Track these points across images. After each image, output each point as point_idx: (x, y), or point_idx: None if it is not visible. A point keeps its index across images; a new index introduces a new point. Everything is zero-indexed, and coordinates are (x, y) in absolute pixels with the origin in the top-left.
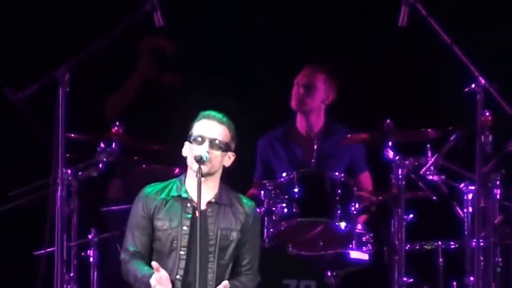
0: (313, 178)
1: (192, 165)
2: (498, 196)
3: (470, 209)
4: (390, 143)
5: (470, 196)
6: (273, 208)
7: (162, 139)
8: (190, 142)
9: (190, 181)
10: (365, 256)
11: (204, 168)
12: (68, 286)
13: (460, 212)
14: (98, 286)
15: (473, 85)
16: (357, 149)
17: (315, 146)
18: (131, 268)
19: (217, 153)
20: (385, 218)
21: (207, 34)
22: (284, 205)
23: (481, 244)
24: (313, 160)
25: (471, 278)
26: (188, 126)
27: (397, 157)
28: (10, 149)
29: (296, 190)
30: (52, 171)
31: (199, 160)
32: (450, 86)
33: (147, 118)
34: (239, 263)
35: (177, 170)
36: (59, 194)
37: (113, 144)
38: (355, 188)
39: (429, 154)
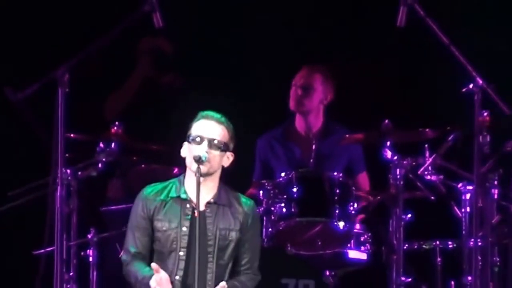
0: (311, 178)
1: (191, 165)
2: (496, 196)
3: (468, 209)
4: (388, 143)
5: (468, 196)
6: (272, 208)
7: (161, 139)
8: (189, 142)
9: (189, 182)
10: (363, 256)
11: (203, 168)
12: (68, 286)
13: (458, 212)
14: (98, 286)
15: (471, 86)
16: (355, 150)
17: (314, 146)
18: (131, 270)
19: (216, 153)
20: (383, 218)
21: (206, 34)
22: (282, 204)
23: (479, 243)
24: (311, 160)
25: (469, 278)
26: (187, 126)
27: (395, 157)
28: (10, 149)
29: (294, 190)
30: (52, 171)
31: (198, 160)
32: (448, 86)
33: (147, 118)
34: (239, 262)
35: (176, 170)
36: (58, 193)
37: (113, 144)
38: (353, 188)
39: (427, 154)
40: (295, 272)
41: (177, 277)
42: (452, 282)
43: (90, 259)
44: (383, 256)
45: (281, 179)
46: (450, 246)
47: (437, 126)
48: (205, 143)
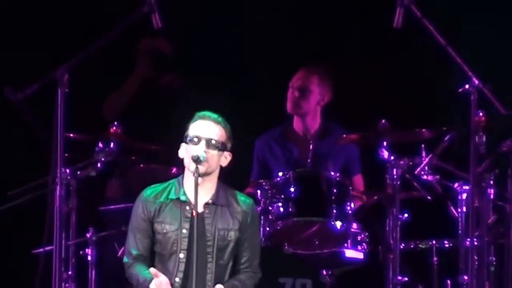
0: (309, 177)
1: (190, 166)
2: (492, 196)
3: (464, 209)
4: (385, 143)
5: (464, 196)
6: (270, 208)
7: (160, 139)
8: (187, 143)
9: (188, 183)
10: (360, 255)
11: (202, 168)
12: (66, 285)
13: (454, 212)
14: (96, 284)
15: (467, 86)
16: (352, 151)
17: (311, 146)
18: (133, 272)
19: (214, 152)
20: (380, 217)
21: (205, 34)
22: (280, 204)
23: (475, 243)
24: (309, 160)
25: (465, 277)
26: (185, 127)
27: (392, 157)
28: (10, 149)
29: (292, 189)
30: (51, 170)
31: (196, 160)
32: (444, 87)
33: (146, 118)
34: (238, 261)
35: (174, 170)
36: (58, 193)
37: (112, 144)
38: (350, 188)
39: (424, 154)
40: (292, 272)
41: (177, 279)
42: (448, 282)
43: (89, 258)
44: (379, 255)
45: (278, 179)
46: (447, 245)
47: (433, 126)
48: (203, 143)
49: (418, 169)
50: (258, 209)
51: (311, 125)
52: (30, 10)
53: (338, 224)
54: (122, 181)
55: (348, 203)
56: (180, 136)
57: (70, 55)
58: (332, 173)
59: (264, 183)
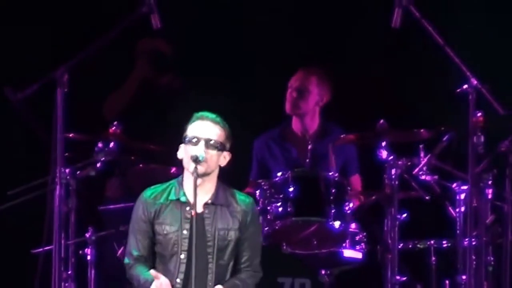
0: (307, 177)
1: (189, 166)
2: (490, 196)
3: (463, 209)
4: (383, 143)
5: (462, 196)
6: (268, 207)
7: (159, 139)
8: (185, 144)
9: (188, 184)
10: (358, 255)
11: (201, 169)
12: (66, 284)
13: (453, 212)
14: (95, 284)
15: (465, 86)
16: (350, 151)
17: (310, 147)
18: (134, 273)
19: (213, 152)
20: (378, 217)
21: (204, 35)
22: (279, 204)
23: (473, 243)
24: (307, 160)
25: (463, 277)
26: (184, 128)
27: (391, 157)
28: (10, 149)
29: (291, 189)
30: (51, 170)
31: (195, 160)
32: (442, 87)
33: (145, 118)
34: (239, 260)
35: (173, 170)
36: (57, 193)
37: (111, 144)
38: (349, 188)
39: (422, 154)
40: (291, 271)
41: (178, 280)
42: (447, 281)
43: (88, 257)
44: (378, 255)
45: (277, 179)
46: (445, 245)
47: (431, 126)
48: (202, 143)
49: (417, 169)
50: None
51: (310, 125)
52: (30, 10)
53: (337, 224)
54: (122, 181)
55: (347, 203)
56: (180, 136)
57: (70, 55)
58: (331, 173)
59: (263, 183)
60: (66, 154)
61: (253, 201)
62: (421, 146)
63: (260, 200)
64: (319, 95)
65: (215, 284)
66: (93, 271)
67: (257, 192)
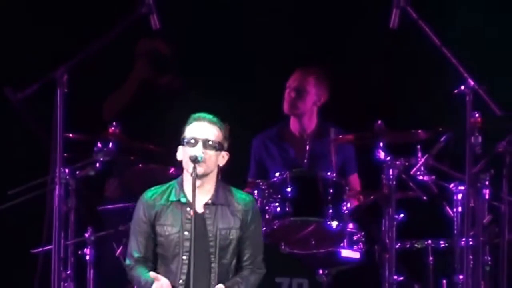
0: (305, 178)
1: (188, 167)
2: (487, 196)
3: (460, 209)
4: (381, 144)
5: (459, 196)
6: (266, 207)
7: (159, 139)
8: (184, 145)
9: (188, 185)
10: (356, 255)
11: (200, 169)
12: (65, 284)
13: (450, 212)
14: (95, 284)
15: (462, 87)
16: (348, 151)
17: (307, 147)
18: (134, 275)
19: (211, 153)
20: (376, 217)
21: (204, 35)
22: (277, 204)
23: (470, 243)
24: (305, 160)
25: (461, 277)
26: (182, 129)
27: (388, 158)
28: (10, 149)
29: (289, 189)
30: (50, 170)
31: (194, 160)
32: (440, 88)
33: (145, 118)
34: (241, 258)
35: (172, 170)
36: (57, 192)
37: (110, 144)
38: (347, 188)
39: (420, 154)
40: (289, 271)
41: (180, 281)
42: (444, 281)
43: (87, 257)
44: (375, 255)
45: (275, 179)
46: (442, 245)
47: (429, 127)
48: (200, 144)
49: (414, 169)
50: None
51: (308, 125)
52: (30, 11)
53: (334, 224)
54: (121, 181)
55: (344, 203)
56: (178, 136)
57: (70, 55)
58: (329, 173)
59: (261, 183)
60: (66, 154)
61: (253, 199)
62: (418, 146)
63: (258, 200)
64: (316, 95)
65: (219, 283)
66: (92, 271)
67: (255, 192)
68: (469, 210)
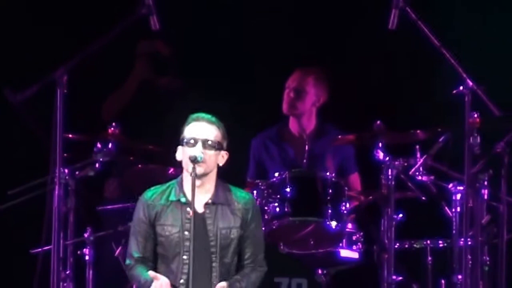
0: (305, 178)
1: (188, 167)
2: (485, 197)
3: (458, 209)
4: (380, 144)
5: (458, 196)
6: (266, 207)
7: (158, 140)
8: (183, 145)
9: (188, 185)
10: (355, 255)
11: (200, 169)
12: (64, 284)
13: (449, 212)
14: (94, 284)
15: (461, 87)
16: (347, 151)
17: (307, 147)
18: (134, 274)
19: (211, 152)
20: (375, 217)
21: (204, 36)
22: (276, 204)
23: (469, 243)
24: (304, 161)
25: (459, 277)
26: (181, 129)
27: (387, 158)
28: (10, 148)
29: (288, 189)
30: (50, 170)
31: (194, 161)
32: (439, 88)
33: (144, 119)
34: (242, 257)
35: (171, 170)
36: (56, 193)
37: (110, 144)
38: (345, 188)
39: (418, 155)
40: (288, 271)
41: (181, 281)
42: (443, 281)
43: (87, 257)
44: (374, 255)
45: (274, 179)
46: (441, 245)
47: (428, 127)
48: (199, 144)
49: (413, 169)
50: None
51: (307, 125)
52: (30, 11)
53: (333, 224)
54: (120, 181)
55: (343, 203)
56: (177, 137)
57: (69, 56)
58: (328, 173)
59: (260, 183)
60: (65, 154)
61: (253, 198)
62: (417, 146)
63: (257, 200)
64: (316, 95)
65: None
66: (91, 271)
67: (255, 192)
68: (467, 210)
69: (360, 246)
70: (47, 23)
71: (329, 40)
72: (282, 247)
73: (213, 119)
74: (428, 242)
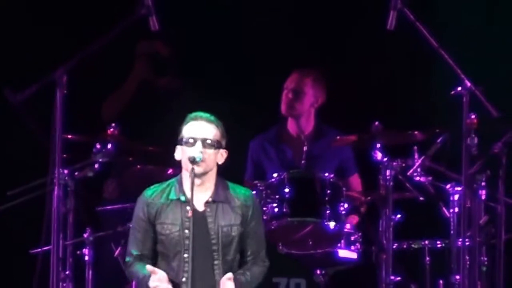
0: (303, 178)
1: (188, 167)
2: (483, 197)
3: (456, 210)
4: (378, 145)
5: (456, 197)
6: (264, 208)
7: (157, 140)
8: (182, 145)
9: (187, 183)
10: (353, 255)
11: (200, 169)
12: (64, 284)
13: (447, 212)
14: (93, 284)
15: (459, 88)
16: (346, 152)
17: (305, 148)
18: (133, 271)
19: (210, 151)
20: (373, 218)
21: (203, 36)
22: (274, 205)
23: (467, 243)
24: (303, 162)
25: (457, 277)
26: (179, 129)
27: (385, 159)
28: (10, 148)
29: (286, 190)
30: (49, 171)
31: (193, 161)
32: (437, 89)
33: (144, 119)
34: (245, 254)
35: (170, 171)
36: (55, 193)
37: (109, 145)
38: (344, 189)
39: (416, 155)
40: (286, 271)
41: (183, 279)
42: (441, 281)
43: (86, 258)
44: (373, 255)
45: (273, 179)
46: (439, 245)
47: (426, 128)
48: (199, 143)
49: (411, 170)
50: None
51: (305, 126)
52: (30, 11)
53: (332, 224)
54: (119, 182)
55: (342, 204)
56: (177, 137)
57: (69, 56)
58: (326, 174)
59: (258, 184)
60: (65, 155)
61: (252, 194)
62: (415, 147)
63: None
64: (314, 96)
65: None
66: (90, 272)
67: (253, 192)
68: (465, 210)
69: (359, 246)
70: (47, 23)
71: (328, 40)
72: (280, 248)
73: (212, 117)
74: (426, 242)
